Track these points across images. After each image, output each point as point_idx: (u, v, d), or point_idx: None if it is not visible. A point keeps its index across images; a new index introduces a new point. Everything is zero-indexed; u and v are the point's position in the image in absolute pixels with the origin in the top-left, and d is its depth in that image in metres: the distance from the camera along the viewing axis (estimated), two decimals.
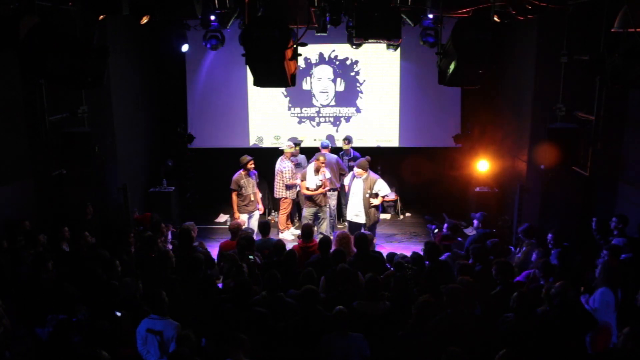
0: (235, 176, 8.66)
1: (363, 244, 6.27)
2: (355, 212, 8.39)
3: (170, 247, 7.28)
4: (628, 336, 4.02)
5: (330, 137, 10.85)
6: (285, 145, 9.46)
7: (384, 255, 6.70)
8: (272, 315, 4.79)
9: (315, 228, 8.57)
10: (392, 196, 10.64)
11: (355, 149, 10.03)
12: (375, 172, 10.29)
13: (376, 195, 8.19)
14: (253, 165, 8.75)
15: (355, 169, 8.34)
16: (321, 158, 8.60)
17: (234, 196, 8.66)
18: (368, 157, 8.75)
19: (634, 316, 4.73)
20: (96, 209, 7.76)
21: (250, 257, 6.06)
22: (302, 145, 10.21)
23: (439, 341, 4.29)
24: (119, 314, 4.81)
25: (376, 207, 8.29)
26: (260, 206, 9.05)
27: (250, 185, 8.68)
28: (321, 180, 8.59)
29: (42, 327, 4.83)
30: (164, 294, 4.65)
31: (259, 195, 9.03)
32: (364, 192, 8.20)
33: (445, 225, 7.18)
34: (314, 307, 4.73)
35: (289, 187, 9.20)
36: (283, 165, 9.17)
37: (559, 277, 5.17)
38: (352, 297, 5.01)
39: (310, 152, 9.75)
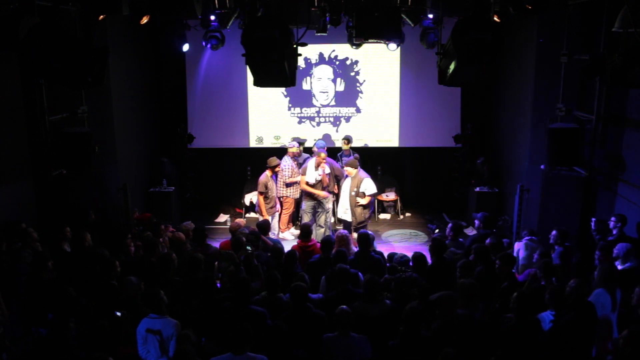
0: (262, 178, 8.74)
1: (365, 243, 6.27)
2: (344, 210, 8.50)
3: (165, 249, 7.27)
4: (626, 339, 4.01)
5: (326, 137, 10.83)
6: (288, 144, 9.46)
7: (385, 255, 6.69)
8: (272, 316, 4.79)
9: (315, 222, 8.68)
10: (392, 196, 10.68)
11: (355, 149, 10.00)
12: (375, 172, 10.33)
13: (363, 195, 8.18)
14: (279, 169, 8.89)
15: (346, 168, 8.43)
16: (322, 154, 8.65)
17: (262, 199, 8.73)
18: (357, 155, 8.78)
19: (632, 317, 4.71)
20: (96, 209, 7.75)
21: (248, 247, 6.10)
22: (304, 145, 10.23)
23: (439, 344, 4.29)
24: (118, 313, 4.81)
25: (363, 206, 8.26)
26: (278, 206, 9.11)
27: (274, 187, 8.82)
28: (320, 175, 8.65)
29: (44, 327, 4.83)
30: (162, 293, 4.64)
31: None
32: (350, 190, 8.23)
33: (450, 225, 7.17)
34: (303, 304, 4.75)
35: (288, 185, 9.20)
36: (284, 164, 9.16)
37: (561, 277, 5.16)
38: (352, 297, 5.01)
39: (311, 153, 9.76)
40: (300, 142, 9.84)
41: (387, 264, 6.46)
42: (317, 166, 8.65)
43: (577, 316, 4.49)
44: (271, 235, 7.72)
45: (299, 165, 9.48)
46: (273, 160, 8.79)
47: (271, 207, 8.85)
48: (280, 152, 9.59)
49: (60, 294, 4.96)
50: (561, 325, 4.50)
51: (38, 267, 5.41)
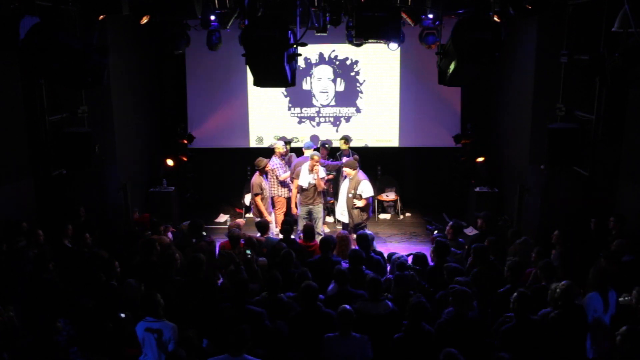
0: (255, 180, 8.70)
1: (364, 243, 6.27)
2: (341, 211, 8.46)
3: None
4: (626, 336, 4.00)
5: (314, 138, 10.76)
6: (278, 144, 9.39)
7: (384, 255, 6.69)
8: (272, 316, 4.79)
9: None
10: (392, 196, 10.67)
11: (355, 149, 9.97)
12: (375, 172, 10.32)
13: (360, 197, 8.10)
14: (270, 169, 8.86)
15: (344, 169, 8.34)
16: (315, 157, 8.49)
17: (259, 200, 8.72)
18: (356, 156, 8.66)
19: (628, 317, 4.70)
20: (96, 209, 7.75)
21: (248, 252, 6.09)
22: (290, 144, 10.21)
23: (441, 341, 4.29)
24: (123, 315, 4.80)
25: (361, 209, 8.15)
26: (270, 207, 9.08)
27: (267, 187, 8.81)
28: (314, 179, 8.52)
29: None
30: (158, 296, 4.62)
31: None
32: (348, 192, 8.18)
33: (450, 224, 7.16)
34: (313, 303, 4.75)
35: (283, 184, 9.16)
36: (273, 163, 9.10)
37: (563, 278, 5.15)
38: (354, 297, 5.00)
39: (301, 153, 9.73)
40: (287, 142, 9.79)
41: (388, 265, 6.47)
42: (311, 170, 8.49)
43: (560, 315, 4.50)
44: (270, 234, 7.70)
45: (287, 164, 9.43)
46: (261, 162, 8.70)
47: (266, 208, 8.82)
48: (269, 152, 9.52)
49: (61, 296, 4.97)
50: (547, 324, 4.51)
51: (38, 268, 5.40)
